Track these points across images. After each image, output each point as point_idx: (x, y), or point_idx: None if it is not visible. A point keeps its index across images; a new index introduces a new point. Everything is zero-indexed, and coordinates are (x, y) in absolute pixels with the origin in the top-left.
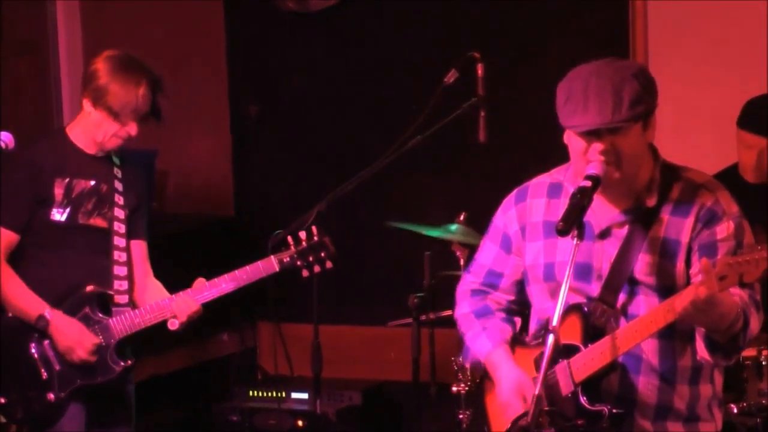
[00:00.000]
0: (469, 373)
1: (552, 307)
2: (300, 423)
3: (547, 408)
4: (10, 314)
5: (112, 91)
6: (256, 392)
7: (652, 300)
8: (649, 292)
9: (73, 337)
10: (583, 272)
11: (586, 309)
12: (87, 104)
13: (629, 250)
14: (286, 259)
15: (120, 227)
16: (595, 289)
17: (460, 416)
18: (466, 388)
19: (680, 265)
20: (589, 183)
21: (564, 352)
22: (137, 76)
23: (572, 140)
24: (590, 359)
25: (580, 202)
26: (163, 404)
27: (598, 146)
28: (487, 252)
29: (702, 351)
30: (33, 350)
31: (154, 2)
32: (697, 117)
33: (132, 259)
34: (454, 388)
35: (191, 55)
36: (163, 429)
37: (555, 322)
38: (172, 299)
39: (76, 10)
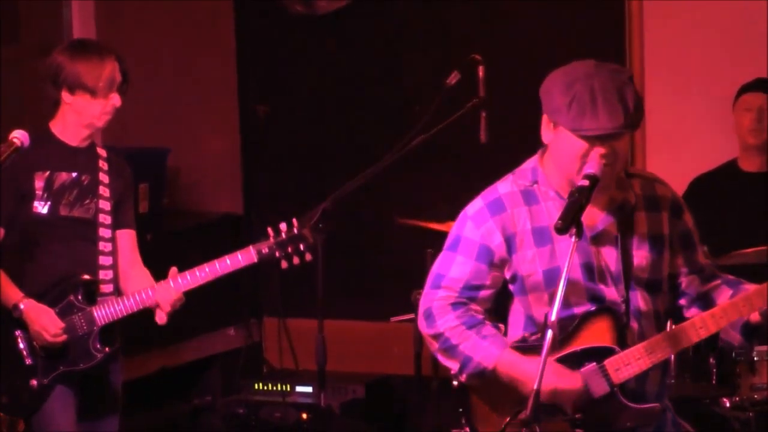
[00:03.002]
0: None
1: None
2: (305, 416)
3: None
4: None
5: (83, 72)
6: (261, 386)
7: (645, 295)
8: (642, 288)
9: (39, 322)
10: (588, 273)
11: (616, 311)
12: (65, 95)
13: (627, 249)
14: (265, 250)
15: (105, 218)
16: (601, 289)
17: (461, 410)
18: None
19: (666, 257)
20: (587, 182)
21: (592, 354)
22: (97, 51)
23: (567, 142)
24: (634, 359)
25: (579, 200)
26: (171, 397)
27: (600, 150)
28: (460, 266)
29: (736, 337)
30: (19, 338)
31: (166, 5)
32: (692, 116)
33: (120, 248)
34: (455, 382)
35: (202, 56)
36: (171, 421)
37: (553, 317)
38: (154, 289)
39: (90, 12)
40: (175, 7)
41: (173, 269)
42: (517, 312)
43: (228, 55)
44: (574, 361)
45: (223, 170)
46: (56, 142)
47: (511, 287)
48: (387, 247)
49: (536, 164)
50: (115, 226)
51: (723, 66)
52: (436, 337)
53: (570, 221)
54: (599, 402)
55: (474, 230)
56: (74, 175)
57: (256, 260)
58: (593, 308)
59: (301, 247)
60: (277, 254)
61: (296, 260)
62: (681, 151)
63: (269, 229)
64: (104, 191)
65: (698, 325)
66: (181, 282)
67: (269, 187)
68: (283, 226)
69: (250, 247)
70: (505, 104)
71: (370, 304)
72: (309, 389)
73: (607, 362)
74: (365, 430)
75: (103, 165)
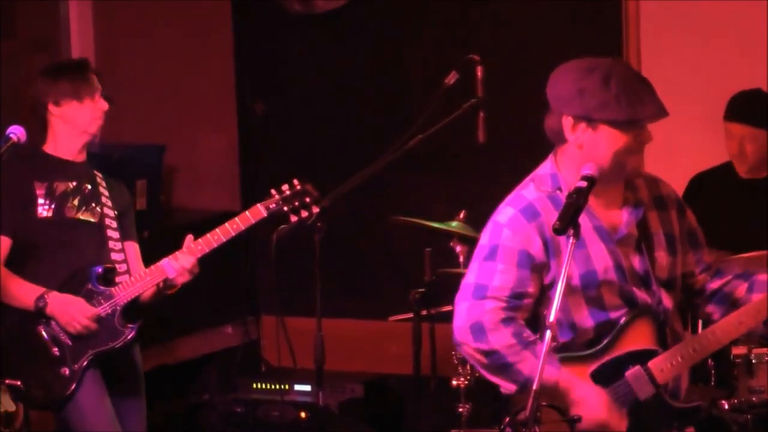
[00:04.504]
0: (469, 368)
1: (588, 315)
2: (303, 415)
3: (544, 403)
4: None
5: (65, 83)
6: (259, 384)
7: (666, 294)
8: (663, 287)
9: (71, 308)
10: (621, 275)
11: (656, 312)
12: (53, 109)
13: (650, 250)
14: (272, 206)
15: (111, 222)
16: (634, 291)
17: (460, 409)
18: (466, 382)
19: (679, 256)
20: (584, 183)
21: (635, 358)
22: (71, 64)
23: (610, 138)
24: (678, 358)
25: (576, 201)
26: (168, 395)
27: (648, 136)
28: (503, 275)
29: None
30: (42, 332)
31: (164, 2)
32: (689, 116)
33: (127, 259)
34: (454, 382)
35: (200, 53)
36: (168, 419)
37: (552, 318)
38: (170, 260)
39: (88, 9)
40: (172, 5)
41: (189, 236)
42: (564, 316)
43: (226, 52)
44: (618, 366)
45: (220, 168)
46: (50, 158)
47: (550, 294)
48: (385, 246)
49: (554, 170)
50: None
51: (721, 67)
52: (488, 353)
53: (568, 222)
54: (645, 405)
55: (512, 237)
56: (74, 183)
57: (265, 215)
58: (633, 312)
59: (307, 200)
60: (285, 208)
61: (304, 213)
62: (678, 153)
63: (272, 190)
64: (107, 201)
65: (735, 321)
66: (196, 248)
67: (267, 185)
68: (284, 186)
69: (258, 204)
70: (503, 104)
71: (369, 303)
72: (307, 388)
73: (651, 363)
74: (363, 429)
75: (101, 182)
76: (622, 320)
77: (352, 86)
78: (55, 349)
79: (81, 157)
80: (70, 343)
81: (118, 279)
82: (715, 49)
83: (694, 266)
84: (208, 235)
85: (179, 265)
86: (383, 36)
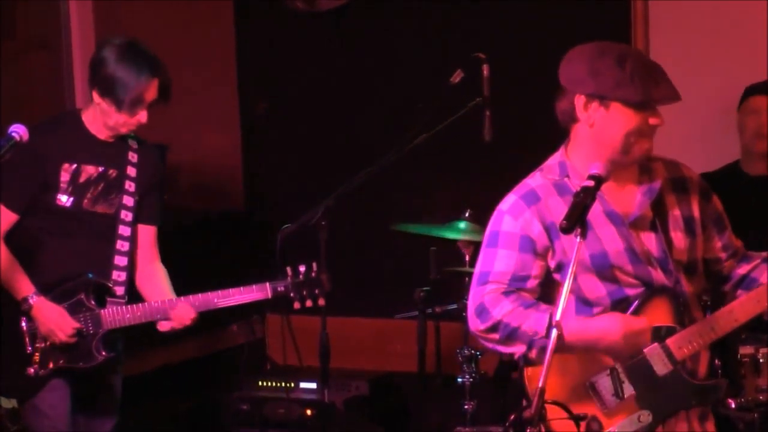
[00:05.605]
0: (473, 365)
1: (604, 292)
2: (308, 412)
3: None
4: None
5: (119, 82)
6: (265, 382)
7: (685, 277)
8: (682, 271)
9: (53, 320)
10: (633, 256)
11: (674, 291)
12: (95, 96)
13: (666, 232)
14: (281, 288)
15: (127, 215)
16: (650, 271)
17: (465, 407)
18: (471, 380)
19: (699, 240)
20: (592, 183)
21: (654, 333)
22: (142, 65)
23: (621, 118)
24: (696, 336)
25: (583, 200)
26: (174, 394)
27: (654, 121)
28: (504, 259)
29: None
30: (23, 324)
31: (165, 1)
32: (698, 117)
33: (139, 243)
34: (459, 379)
35: (202, 52)
36: (174, 418)
37: (558, 316)
38: (170, 304)
39: (88, 8)
40: (174, 5)
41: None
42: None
43: (228, 51)
44: (638, 343)
45: (224, 167)
46: (85, 133)
47: (557, 276)
48: (390, 244)
49: (563, 158)
50: (138, 220)
51: (729, 67)
52: (494, 327)
53: (575, 221)
54: (663, 382)
55: (512, 223)
56: (101, 169)
57: (270, 296)
58: (649, 291)
59: (316, 291)
60: (291, 294)
61: (309, 303)
62: (686, 151)
63: (288, 269)
64: (130, 186)
65: (754, 299)
66: (194, 304)
67: (270, 185)
68: (302, 267)
69: (267, 283)
70: (509, 103)
71: (374, 301)
72: (313, 385)
73: (669, 341)
74: (368, 426)
75: (132, 157)
76: (639, 299)
77: (356, 84)
78: (29, 346)
79: (113, 138)
80: (43, 346)
81: (115, 290)
82: (723, 49)
83: (721, 251)
84: (210, 294)
85: (169, 326)
86: (387, 34)
